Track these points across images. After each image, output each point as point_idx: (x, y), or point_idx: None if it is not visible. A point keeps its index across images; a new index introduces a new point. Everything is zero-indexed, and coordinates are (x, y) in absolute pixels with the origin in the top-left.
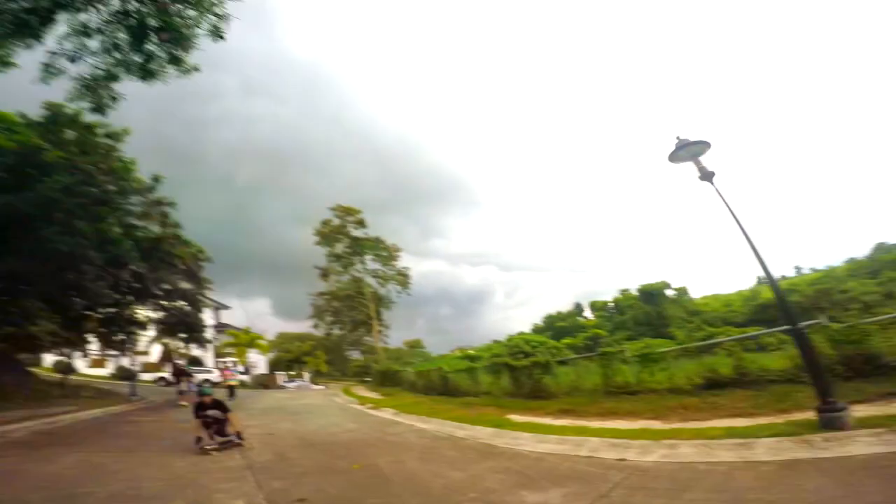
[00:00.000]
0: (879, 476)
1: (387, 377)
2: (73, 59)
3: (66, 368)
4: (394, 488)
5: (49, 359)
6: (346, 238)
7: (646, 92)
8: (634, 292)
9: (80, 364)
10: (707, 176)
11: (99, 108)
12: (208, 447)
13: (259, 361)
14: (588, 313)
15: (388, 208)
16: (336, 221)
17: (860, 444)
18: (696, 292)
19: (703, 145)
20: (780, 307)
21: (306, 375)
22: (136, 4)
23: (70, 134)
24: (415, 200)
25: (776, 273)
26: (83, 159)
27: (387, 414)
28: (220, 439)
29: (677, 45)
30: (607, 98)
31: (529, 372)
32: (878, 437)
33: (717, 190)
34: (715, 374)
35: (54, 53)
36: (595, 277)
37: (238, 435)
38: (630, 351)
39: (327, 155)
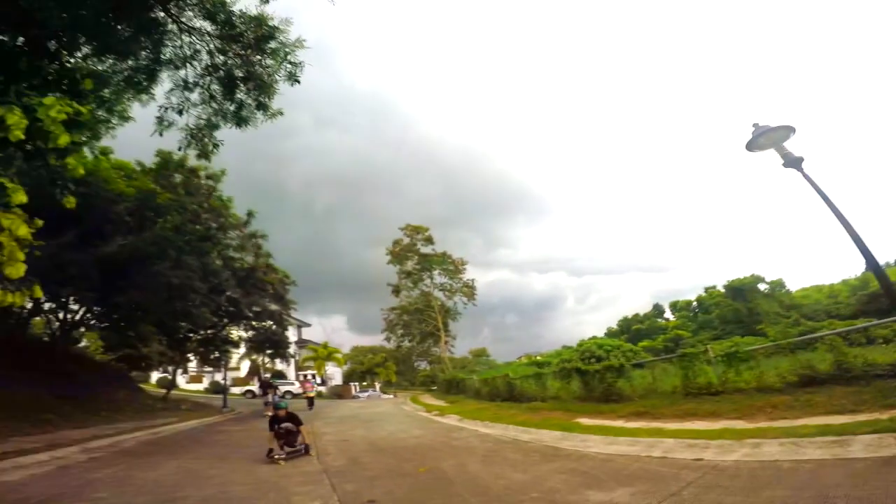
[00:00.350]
0: None
1: (452, 385)
2: (179, 112)
3: (169, 384)
4: (456, 489)
5: (154, 376)
6: (415, 255)
7: (723, 77)
8: (721, 289)
9: (181, 380)
10: (793, 162)
11: (204, 155)
12: (277, 457)
13: (335, 373)
14: (669, 314)
15: (452, 222)
16: (406, 240)
17: None
18: (795, 285)
19: (785, 131)
20: (887, 294)
21: (377, 386)
22: (223, 58)
23: (177, 177)
24: (479, 213)
25: (887, 258)
26: (189, 199)
27: (451, 420)
28: (289, 450)
29: (752, 31)
30: (681, 87)
31: (601, 376)
32: None
33: (805, 176)
34: (812, 370)
35: (164, 108)
36: (676, 276)
37: (306, 447)
38: (714, 350)
39: (394, 176)
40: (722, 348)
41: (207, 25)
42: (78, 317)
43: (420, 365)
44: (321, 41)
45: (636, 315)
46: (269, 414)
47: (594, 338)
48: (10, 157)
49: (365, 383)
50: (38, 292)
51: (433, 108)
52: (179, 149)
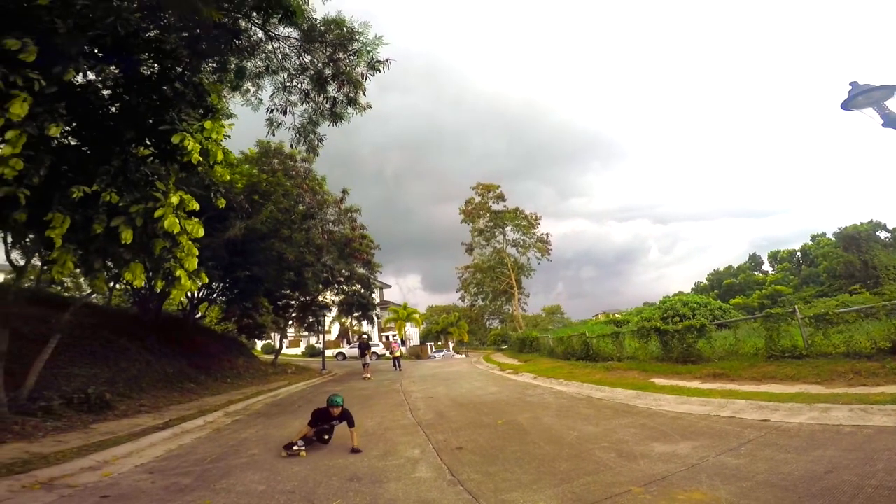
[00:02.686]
0: None
1: (525, 344)
2: (283, 112)
3: (274, 350)
4: (531, 438)
5: (258, 343)
6: (487, 213)
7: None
8: (831, 237)
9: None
10: (894, 122)
11: (312, 149)
12: (297, 448)
13: (413, 333)
14: (767, 266)
15: (520, 174)
16: (477, 199)
17: None
18: None
19: (888, 90)
20: None
21: (451, 345)
22: (310, 57)
23: (276, 163)
24: (548, 162)
25: None
26: (289, 182)
27: (526, 378)
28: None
29: None
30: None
31: (681, 336)
32: None
33: None
34: None
35: (270, 110)
36: (778, 222)
37: (353, 449)
38: (803, 311)
39: (456, 134)
40: (825, 308)
41: (293, 32)
42: (202, 293)
43: (491, 324)
44: (369, 7)
45: (729, 267)
46: (367, 377)
47: (680, 294)
48: (168, 170)
49: (439, 343)
50: (205, 278)
51: (491, 64)
52: (291, 146)
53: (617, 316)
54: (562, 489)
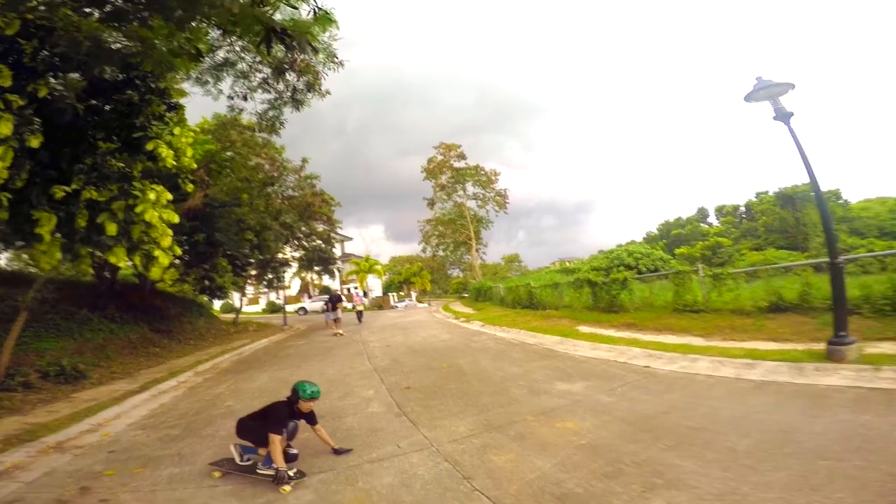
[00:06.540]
0: (812, 402)
1: (481, 293)
2: (244, 99)
3: (234, 309)
4: (467, 378)
5: (216, 302)
6: (449, 170)
7: None
8: (772, 195)
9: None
10: (783, 116)
11: (274, 131)
12: (294, 475)
13: (375, 285)
14: (713, 219)
15: (487, 128)
16: (439, 157)
17: (835, 377)
18: (858, 196)
19: (784, 86)
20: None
21: (413, 295)
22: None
23: (234, 135)
24: (513, 116)
25: None
26: (248, 151)
27: (475, 326)
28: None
29: None
30: None
31: (608, 288)
32: (858, 373)
33: (791, 132)
34: (779, 298)
35: (231, 97)
36: (731, 177)
37: (336, 450)
38: (708, 270)
39: (424, 87)
40: (753, 262)
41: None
42: None
43: (453, 273)
44: None
45: (678, 219)
46: (340, 332)
47: (631, 242)
48: (135, 161)
49: (402, 293)
50: (178, 251)
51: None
52: (257, 130)
53: (570, 265)
54: (479, 417)
